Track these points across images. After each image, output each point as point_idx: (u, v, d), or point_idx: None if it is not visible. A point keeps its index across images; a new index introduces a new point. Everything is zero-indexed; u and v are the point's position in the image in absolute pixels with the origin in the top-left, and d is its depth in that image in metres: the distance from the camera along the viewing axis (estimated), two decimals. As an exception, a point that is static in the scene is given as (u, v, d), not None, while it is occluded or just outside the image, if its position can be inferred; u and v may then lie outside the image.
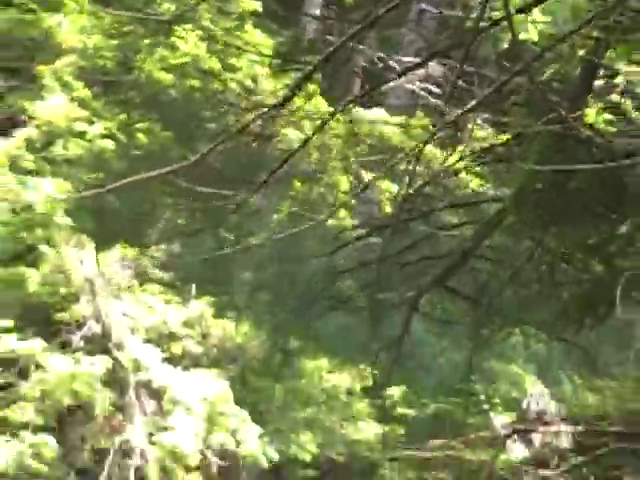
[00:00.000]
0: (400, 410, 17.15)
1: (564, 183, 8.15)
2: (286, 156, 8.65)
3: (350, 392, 17.25)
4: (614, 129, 7.74)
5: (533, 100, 7.65)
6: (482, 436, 8.49)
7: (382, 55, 16.68)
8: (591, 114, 7.92)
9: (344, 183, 13.72)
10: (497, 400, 15.34)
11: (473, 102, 5.55)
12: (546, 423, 9.52)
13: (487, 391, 15.35)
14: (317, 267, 9.35)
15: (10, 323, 15.37)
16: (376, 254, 8.88)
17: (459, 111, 5.80)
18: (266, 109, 6.92)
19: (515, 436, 11.05)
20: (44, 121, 15.50)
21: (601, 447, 6.62)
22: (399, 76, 13.31)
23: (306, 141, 7.66)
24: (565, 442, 10.96)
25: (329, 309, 9.60)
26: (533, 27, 7.78)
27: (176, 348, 16.36)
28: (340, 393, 17.21)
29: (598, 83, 8.26)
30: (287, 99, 6.20)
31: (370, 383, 16.99)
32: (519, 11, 5.88)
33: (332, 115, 7.21)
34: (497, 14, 6.08)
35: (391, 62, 16.02)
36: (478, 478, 6.61)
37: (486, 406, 15.01)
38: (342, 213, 11.89)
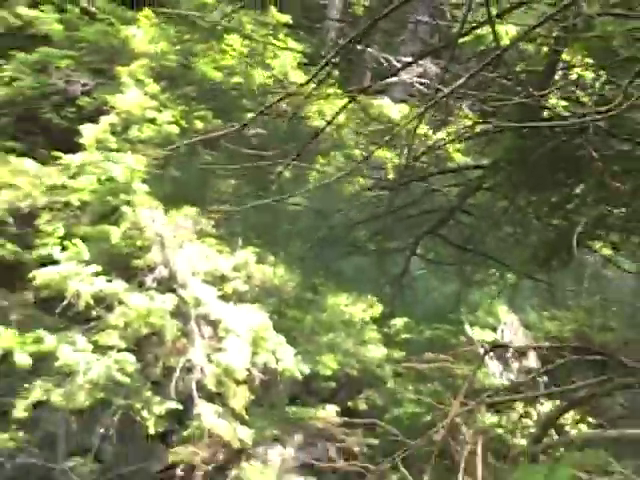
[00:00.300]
0: (402, 335, 17.29)
1: (532, 154, 8.23)
2: (315, 133, 8.66)
3: (363, 321, 17.38)
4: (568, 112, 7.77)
5: (507, 87, 7.71)
6: (465, 353, 8.58)
7: (386, 56, 16.72)
8: (552, 99, 7.97)
9: (358, 155, 13.82)
10: (478, 325, 15.44)
11: (455, 85, 5.65)
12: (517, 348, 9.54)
13: (470, 318, 15.44)
14: (337, 220, 9.35)
15: (99, 268, 15.52)
16: (383, 210, 8.95)
17: (444, 92, 5.91)
18: (291, 91, 6.95)
19: (492, 354, 11.17)
20: (123, 110, 15.62)
21: (559, 359, 6.68)
22: (398, 71, 13.38)
23: (329, 122, 7.74)
24: (532, 359, 11.07)
25: (347, 254, 9.60)
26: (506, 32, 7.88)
27: (227, 288, 16.47)
28: (355, 322, 17.36)
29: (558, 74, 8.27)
30: (307, 82, 6.32)
31: (378, 314, 17.17)
32: (498, 16, 5.96)
33: (350, 100, 7.37)
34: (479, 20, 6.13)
35: (393, 61, 16.09)
36: (461, 387, 6.65)
37: (469, 330, 15.10)
38: (358, 178, 11.95)
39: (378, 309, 16.99)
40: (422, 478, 6.38)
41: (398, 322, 17.28)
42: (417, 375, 16.02)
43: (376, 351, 17.37)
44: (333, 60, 6.07)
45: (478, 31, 6.39)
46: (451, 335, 15.60)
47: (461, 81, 5.49)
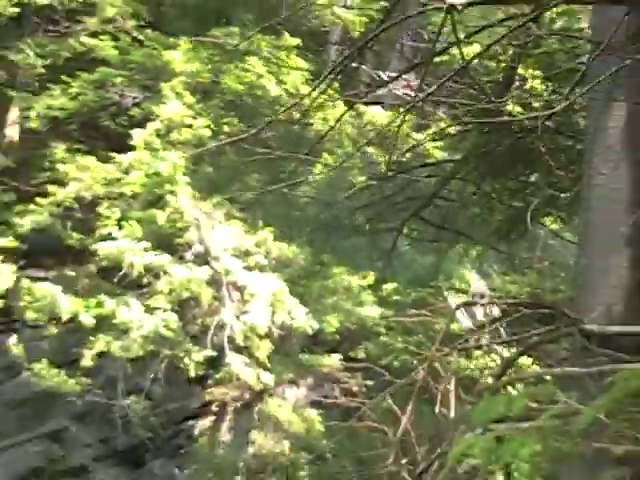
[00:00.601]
0: (392, 297, 17.28)
1: (494, 150, 8.23)
2: (320, 136, 8.70)
3: (360, 287, 17.37)
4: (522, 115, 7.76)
5: (473, 95, 7.71)
6: (441, 309, 8.56)
7: (377, 72, 16.70)
8: (510, 105, 7.95)
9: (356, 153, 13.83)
10: (453, 290, 15.46)
11: (426, 92, 5.63)
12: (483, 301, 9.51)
13: (447, 284, 15.44)
14: (340, 207, 9.33)
15: (148, 245, 15.54)
16: (375, 198, 8.95)
17: (419, 98, 5.90)
18: (299, 99, 6.93)
19: (462, 309, 11.12)
20: (165, 118, 15.61)
21: (516, 313, 6.67)
22: (387, 84, 13.35)
23: (332, 127, 7.75)
24: (495, 314, 11.01)
25: (346, 234, 9.58)
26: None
27: (250, 260, 16.46)
28: (353, 288, 17.35)
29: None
30: (311, 92, 6.31)
31: (372, 281, 17.16)
32: (466, 37, 5.93)
33: (349, 108, 7.40)
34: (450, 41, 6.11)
35: (383, 76, 16.04)
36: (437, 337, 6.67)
37: (446, 293, 15.10)
38: (355, 172, 11.95)
39: (372, 277, 17.00)
40: (406, 409, 6.37)
41: (389, 287, 17.27)
42: (404, 329, 16.03)
43: (371, 310, 17.41)
44: (332, 74, 6.05)
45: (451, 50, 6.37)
46: (431, 297, 15.62)
47: (432, 89, 5.48)
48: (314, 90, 6.03)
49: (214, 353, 16.07)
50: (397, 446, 6.39)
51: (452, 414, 6.57)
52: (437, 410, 6.44)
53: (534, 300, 7.58)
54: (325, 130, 9.50)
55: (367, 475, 7.23)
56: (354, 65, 14.33)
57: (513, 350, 6.71)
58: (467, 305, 7.60)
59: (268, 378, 16.27)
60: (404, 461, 6.29)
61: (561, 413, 4.39)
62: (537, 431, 4.20)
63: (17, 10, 16.33)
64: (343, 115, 7.57)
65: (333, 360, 17.47)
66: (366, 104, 16.39)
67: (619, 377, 4.42)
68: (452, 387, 6.64)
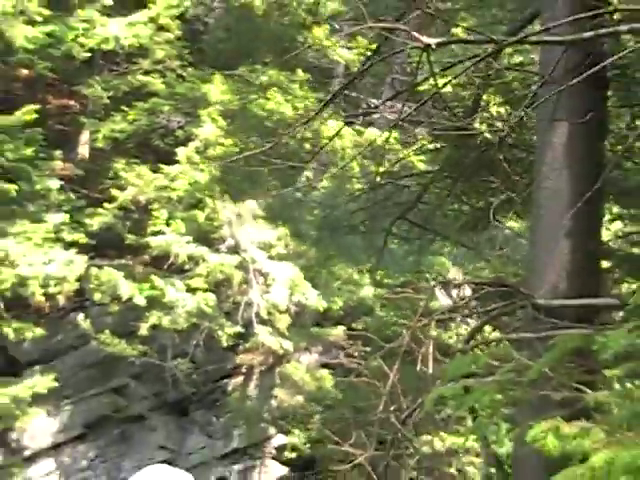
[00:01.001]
0: (384, 281, 17.26)
1: (463, 161, 8.23)
2: (320, 147, 8.72)
3: (359, 272, 17.32)
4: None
5: (447, 117, 7.67)
6: (422, 288, 8.54)
7: (372, 100, 16.64)
8: (477, 125, 7.95)
9: (355, 167, 13.81)
10: (433, 275, 15.41)
11: (408, 112, 5.64)
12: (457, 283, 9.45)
13: (428, 271, 15.40)
14: (341, 210, 9.28)
15: (190, 239, 15.60)
16: (369, 202, 8.92)
17: (400, 118, 5.89)
18: (306, 120, 6.93)
19: (441, 290, 11.07)
20: (203, 138, 15.63)
21: (482, 291, 6.64)
22: (377, 108, 13.25)
23: (331, 138, 7.78)
24: (467, 292, 10.94)
25: (346, 233, 9.52)
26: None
27: (273, 251, 16.46)
28: (354, 275, 17.30)
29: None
30: (317, 113, 6.32)
31: (369, 268, 17.10)
32: (441, 70, 5.92)
33: (345, 124, 7.38)
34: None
35: (376, 102, 15.95)
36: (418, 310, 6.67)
37: (427, 276, 15.05)
38: (354, 180, 11.92)
39: (368, 267, 16.93)
40: (394, 368, 6.36)
41: (381, 273, 17.23)
42: (394, 305, 15.99)
43: (369, 291, 17.38)
44: (332, 100, 6.07)
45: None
46: (416, 280, 15.61)
47: (410, 111, 5.49)
48: (319, 112, 6.04)
49: (243, 327, 16.10)
50: (387, 397, 6.40)
51: (431, 372, 6.57)
52: (418, 368, 6.43)
53: (496, 281, 7.56)
54: (326, 142, 9.47)
55: (362, 420, 7.23)
56: (354, 95, 14.30)
57: (479, 320, 6.71)
58: (442, 284, 7.56)
59: (287, 345, 16.29)
60: (392, 408, 6.30)
61: (515, 368, 4.41)
62: (496, 383, 4.22)
63: (88, 54, 16.46)
64: (339, 131, 7.58)
65: (338, 331, 17.44)
66: (365, 126, 16.39)
67: (560, 340, 4.43)
68: (431, 350, 6.63)
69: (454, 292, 11.70)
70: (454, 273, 15.30)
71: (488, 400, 4.00)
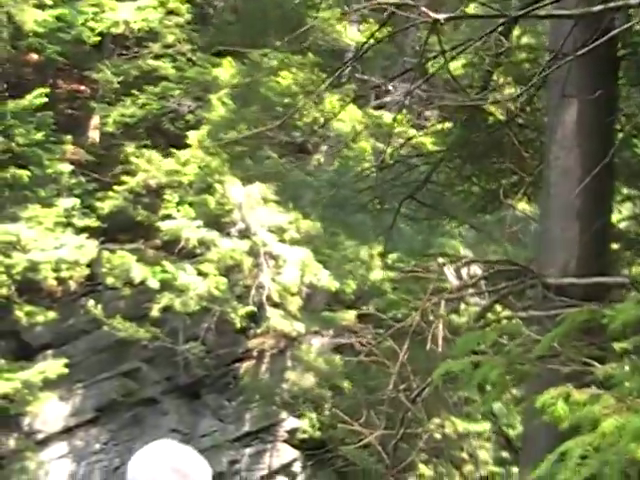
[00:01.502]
0: (397, 265, 17.17)
1: (473, 141, 8.19)
2: (323, 122, 8.68)
3: (370, 255, 17.20)
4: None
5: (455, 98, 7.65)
6: (432, 268, 8.48)
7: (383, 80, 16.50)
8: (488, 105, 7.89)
9: (367, 147, 13.76)
10: (444, 256, 15.31)
11: (412, 88, 5.60)
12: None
13: (439, 253, 15.31)
14: (349, 189, 9.25)
15: (201, 223, 15.64)
16: (379, 181, 8.88)
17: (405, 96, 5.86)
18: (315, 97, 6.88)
19: (451, 271, 11.01)
20: (213, 122, 15.58)
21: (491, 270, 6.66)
22: (385, 84, 13.08)
23: (336, 114, 7.72)
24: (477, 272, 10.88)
25: (354, 212, 9.49)
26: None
27: (284, 235, 16.45)
28: (363, 258, 17.16)
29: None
30: (325, 86, 6.27)
31: (380, 251, 16.99)
32: (451, 49, 5.89)
33: (352, 100, 7.34)
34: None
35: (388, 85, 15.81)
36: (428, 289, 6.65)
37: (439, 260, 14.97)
38: (364, 160, 11.88)
39: (380, 248, 16.85)
40: (403, 347, 6.38)
41: (392, 256, 17.16)
42: (406, 289, 15.94)
43: (379, 274, 17.27)
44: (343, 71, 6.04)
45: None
46: (427, 261, 15.50)
47: (419, 82, 5.47)
48: (327, 85, 6.03)
49: (255, 309, 16.12)
50: (396, 376, 6.41)
51: (440, 351, 6.58)
52: (428, 348, 6.44)
53: (506, 260, 7.54)
54: (333, 116, 9.41)
55: (372, 400, 7.26)
56: (365, 77, 14.24)
57: (489, 299, 6.71)
58: (452, 263, 7.54)
59: (299, 327, 16.29)
60: (402, 387, 6.32)
61: (523, 343, 4.42)
62: (505, 357, 4.23)
63: (98, 39, 16.49)
64: (347, 104, 7.56)
65: (350, 315, 17.35)
66: (376, 108, 16.31)
67: (568, 314, 4.44)
68: (441, 330, 6.64)
69: (464, 273, 11.64)
70: (466, 254, 15.22)
71: (496, 375, 4.01)
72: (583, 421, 3.08)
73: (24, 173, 15.15)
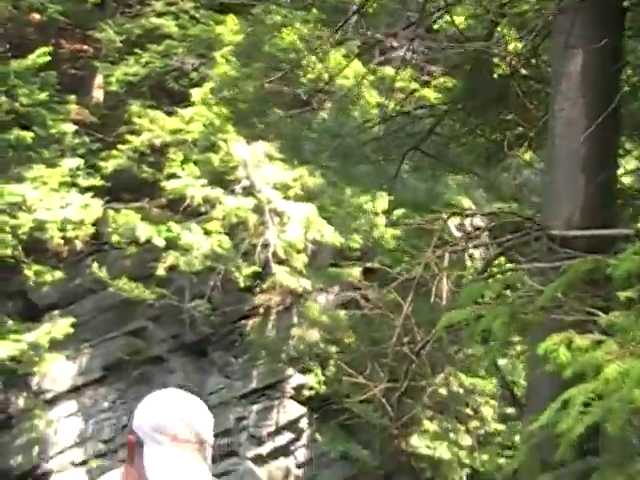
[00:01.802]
0: (402, 221, 17.09)
1: (477, 93, 8.15)
2: (330, 77, 8.62)
3: (375, 212, 17.09)
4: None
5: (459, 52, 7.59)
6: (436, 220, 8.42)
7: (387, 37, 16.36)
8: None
9: (372, 101, 13.65)
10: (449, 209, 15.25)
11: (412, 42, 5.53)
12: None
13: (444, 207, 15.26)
14: (353, 139, 9.19)
15: (206, 181, 15.61)
16: (383, 132, 8.84)
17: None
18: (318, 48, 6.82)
19: (455, 225, 10.98)
20: (217, 79, 15.47)
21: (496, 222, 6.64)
22: (389, 38, 12.90)
23: (343, 67, 7.67)
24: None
25: (357, 163, 9.45)
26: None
27: (289, 192, 16.39)
28: (370, 213, 17.05)
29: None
30: (329, 39, 6.23)
31: (385, 208, 16.84)
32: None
33: (356, 56, 7.29)
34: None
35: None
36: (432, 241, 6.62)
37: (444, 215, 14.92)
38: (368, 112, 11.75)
39: (385, 204, 16.70)
40: (407, 299, 6.37)
41: (398, 212, 17.08)
42: (410, 245, 15.90)
43: (384, 231, 17.16)
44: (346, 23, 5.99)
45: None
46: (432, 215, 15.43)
47: (416, 34, 5.41)
48: (330, 39, 5.98)
49: (260, 268, 16.10)
50: (400, 329, 6.41)
51: (445, 303, 6.56)
52: (432, 300, 6.43)
53: (510, 212, 7.52)
54: (338, 71, 9.31)
55: (377, 353, 7.25)
56: (369, 33, 14.06)
57: (493, 251, 6.68)
58: (456, 214, 7.52)
59: (305, 283, 16.27)
60: (406, 340, 6.31)
61: (527, 293, 4.39)
62: (508, 307, 4.21)
63: (100, -3, 16.45)
64: (352, 60, 7.51)
65: (355, 271, 17.30)
66: (381, 64, 16.16)
67: (571, 265, 4.42)
68: (445, 282, 6.62)
69: (468, 226, 11.60)
70: (468, 206, 15.14)
71: (499, 324, 3.99)
72: (586, 367, 3.06)
73: (27, 134, 15.09)
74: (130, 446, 2.31)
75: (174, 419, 2.27)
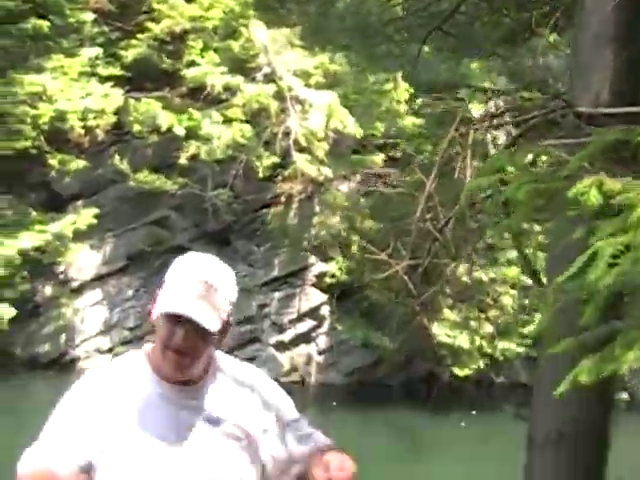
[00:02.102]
0: (424, 107, 16.86)
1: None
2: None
3: (396, 100, 16.72)
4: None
5: None
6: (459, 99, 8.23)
7: None
8: None
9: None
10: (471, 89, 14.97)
11: None
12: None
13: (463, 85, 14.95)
14: (375, 18, 8.92)
15: (226, 69, 15.52)
16: (405, 12, 8.63)
17: None
18: None
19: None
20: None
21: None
22: None
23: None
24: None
25: (379, 43, 9.15)
26: None
27: (311, 80, 16.12)
28: (389, 98, 16.71)
29: None
30: None
31: (408, 96, 16.51)
32: None
33: None
34: None
35: None
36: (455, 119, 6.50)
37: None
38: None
39: (407, 92, 16.39)
40: (430, 177, 6.28)
41: (419, 101, 16.84)
42: (432, 133, 15.65)
43: (407, 119, 16.95)
44: None
45: None
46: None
47: None
48: None
49: (281, 156, 16.03)
50: (423, 206, 6.34)
51: (468, 181, 6.48)
52: (456, 177, 6.34)
53: (536, 89, 7.35)
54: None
55: (399, 231, 7.20)
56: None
57: (517, 130, 6.57)
58: (480, 91, 7.35)
59: (326, 171, 16.19)
60: (428, 216, 6.25)
61: (554, 162, 4.32)
62: (533, 175, 4.14)
63: None
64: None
65: (377, 158, 17.13)
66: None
67: (599, 133, 4.34)
68: (469, 160, 6.53)
69: (492, 106, 11.40)
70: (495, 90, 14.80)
71: (524, 193, 3.93)
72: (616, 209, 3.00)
73: (44, 23, 14.93)
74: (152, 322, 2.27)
75: (195, 283, 2.19)
